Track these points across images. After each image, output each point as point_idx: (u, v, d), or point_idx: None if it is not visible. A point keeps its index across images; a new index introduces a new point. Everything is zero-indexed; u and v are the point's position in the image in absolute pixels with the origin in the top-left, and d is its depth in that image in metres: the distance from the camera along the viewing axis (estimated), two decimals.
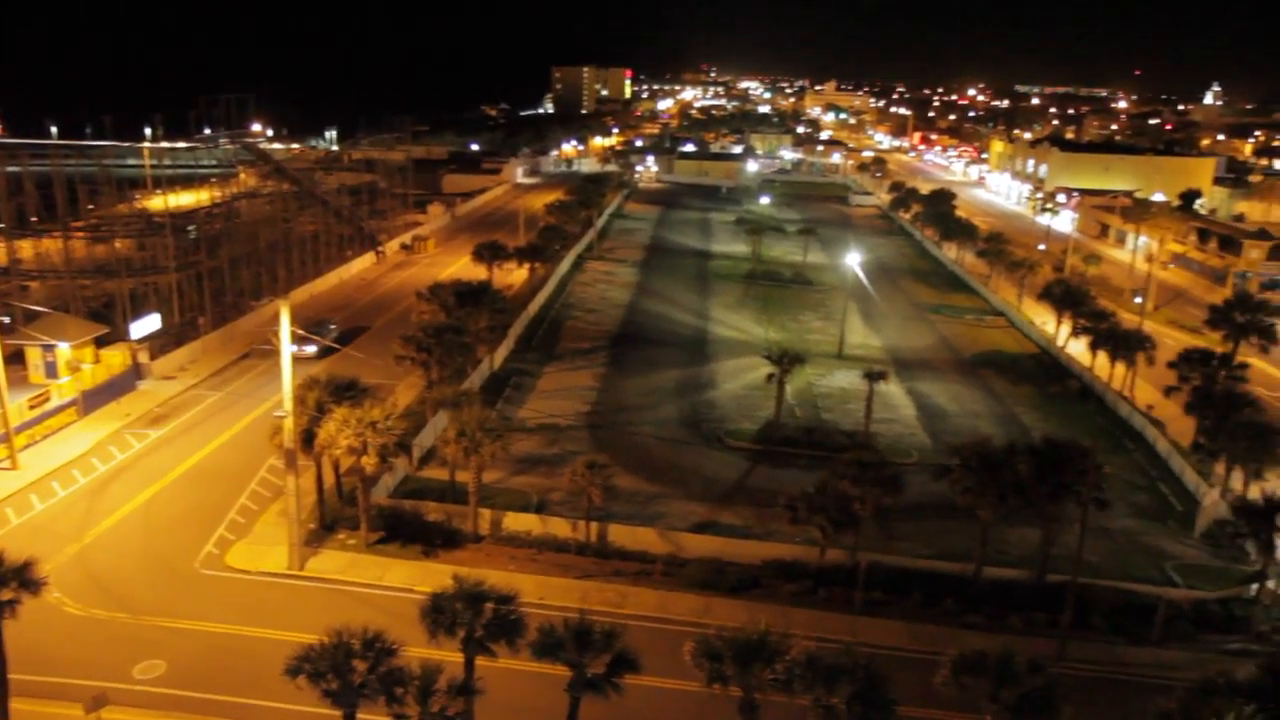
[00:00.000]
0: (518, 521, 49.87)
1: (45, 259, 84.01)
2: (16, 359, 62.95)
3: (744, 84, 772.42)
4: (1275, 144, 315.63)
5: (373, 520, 47.86)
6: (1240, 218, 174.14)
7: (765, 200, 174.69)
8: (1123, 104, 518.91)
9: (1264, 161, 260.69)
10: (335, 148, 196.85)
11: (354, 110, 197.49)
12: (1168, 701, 26.55)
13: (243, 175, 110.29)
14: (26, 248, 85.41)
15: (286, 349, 43.96)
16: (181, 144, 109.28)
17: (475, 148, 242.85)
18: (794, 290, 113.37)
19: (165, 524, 49.16)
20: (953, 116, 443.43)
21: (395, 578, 44.78)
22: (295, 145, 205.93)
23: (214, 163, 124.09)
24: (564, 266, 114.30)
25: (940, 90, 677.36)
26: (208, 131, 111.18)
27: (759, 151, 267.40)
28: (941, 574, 46.76)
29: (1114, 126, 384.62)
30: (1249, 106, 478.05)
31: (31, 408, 58.51)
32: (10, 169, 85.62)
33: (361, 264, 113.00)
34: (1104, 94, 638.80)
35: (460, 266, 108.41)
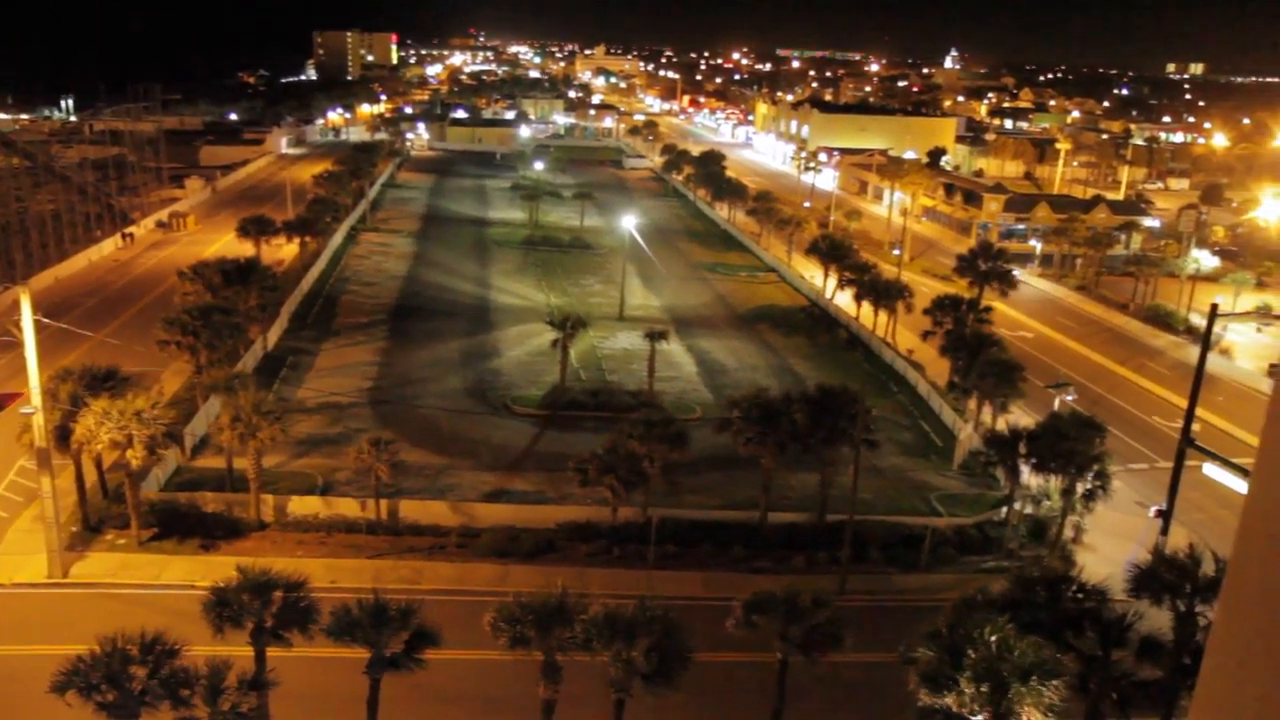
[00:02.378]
0: (303, 505, 48.20)
1: None
2: None
3: (514, 49, 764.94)
4: (1005, 106, 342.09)
5: (144, 517, 45.00)
6: (980, 173, 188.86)
7: (540, 166, 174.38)
8: (875, 67, 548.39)
9: (997, 121, 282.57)
10: (74, 118, 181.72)
11: (92, 78, 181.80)
12: (937, 620, 28.79)
13: None
14: None
15: (30, 340, 40.43)
16: None
17: (234, 117, 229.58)
18: (573, 255, 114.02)
19: None
20: (719, 80, 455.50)
21: (173, 575, 42.39)
22: (25, 116, 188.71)
23: None
24: (337, 239, 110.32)
25: (706, 55, 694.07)
26: None
27: (532, 117, 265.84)
28: (729, 523, 48.71)
29: (867, 89, 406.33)
30: (982, 71, 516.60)
31: None
32: None
33: (114, 244, 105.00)
34: (857, 58, 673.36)
35: (225, 243, 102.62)
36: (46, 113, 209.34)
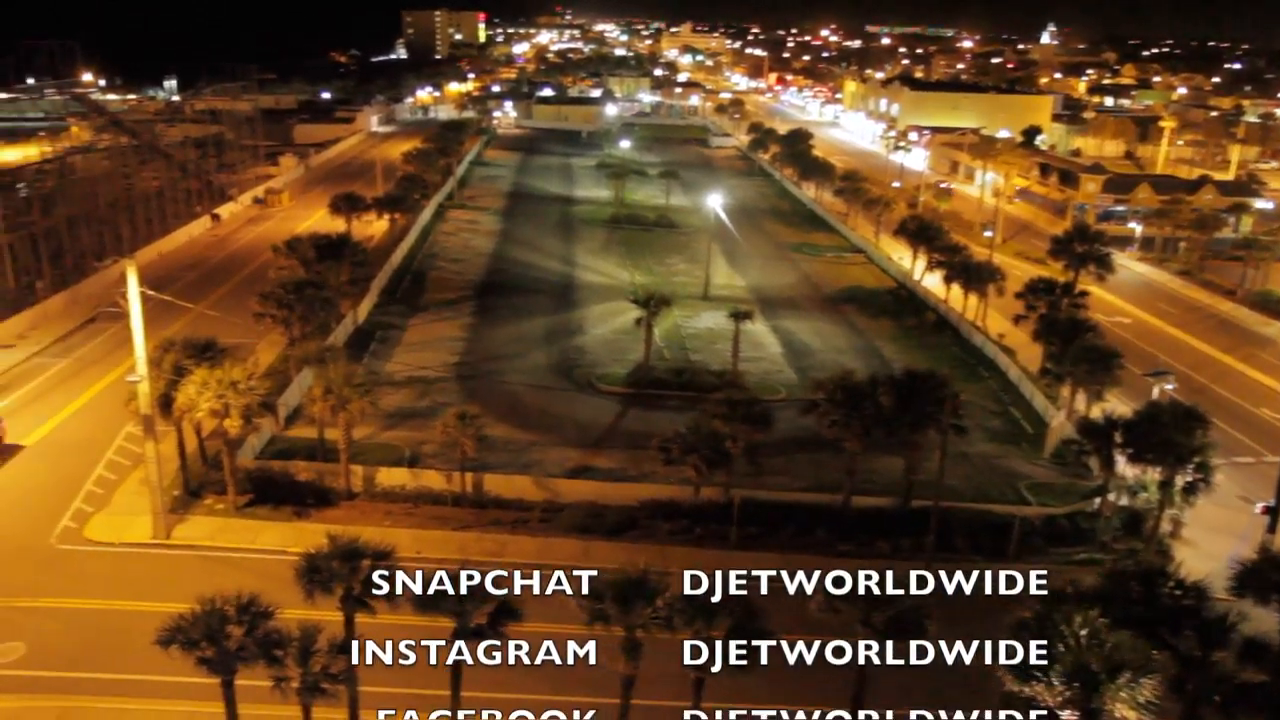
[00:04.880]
0: (391, 476, 49.20)
1: None
2: None
3: (599, 27, 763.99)
4: (1106, 82, 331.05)
5: (241, 483, 46.46)
6: (1077, 153, 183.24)
7: (625, 144, 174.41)
8: (967, 43, 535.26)
9: (1096, 99, 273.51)
10: (176, 98, 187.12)
11: (193, 58, 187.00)
12: (1024, 611, 28.18)
13: (74, 129, 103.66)
14: None
15: (136, 311, 41.91)
16: (0, 95, 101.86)
17: (327, 96, 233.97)
18: (658, 233, 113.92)
19: (14, 501, 46.63)
20: (807, 57, 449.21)
21: (267, 540, 43.71)
22: (132, 96, 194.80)
23: (40, 115, 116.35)
24: (425, 216, 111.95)
25: (794, 31, 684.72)
26: (30, 81, 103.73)
27: (618, 95, 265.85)
28: (812, 505, 48.30)
29: (960, 66, 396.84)
30: (1081, 46, 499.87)
31: None
32: None
33: (205, 225, 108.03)
34: (950, 34, 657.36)
35: (318, 219, 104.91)
36: (151, 93, 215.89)
